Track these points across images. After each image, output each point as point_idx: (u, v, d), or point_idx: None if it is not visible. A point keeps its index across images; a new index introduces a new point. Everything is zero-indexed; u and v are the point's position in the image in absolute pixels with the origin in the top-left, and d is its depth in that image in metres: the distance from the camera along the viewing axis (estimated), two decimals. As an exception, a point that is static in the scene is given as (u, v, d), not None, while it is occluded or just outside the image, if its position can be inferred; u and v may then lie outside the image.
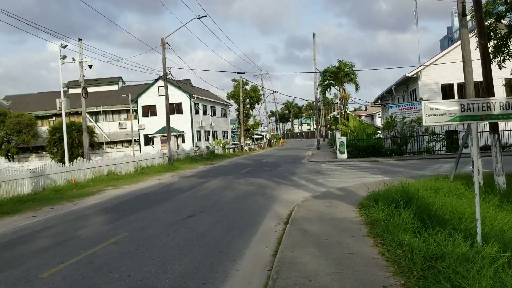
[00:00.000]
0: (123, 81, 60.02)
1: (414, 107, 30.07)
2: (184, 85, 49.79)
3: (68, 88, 55.55)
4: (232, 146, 53.71)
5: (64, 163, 24.30)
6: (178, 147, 42.97)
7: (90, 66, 24.54)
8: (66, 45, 24.01)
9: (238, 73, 37.47)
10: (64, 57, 24.29)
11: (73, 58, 24.58)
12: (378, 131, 39.78)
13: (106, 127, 53.83)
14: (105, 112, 54.49)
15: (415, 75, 31.03)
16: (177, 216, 10.87)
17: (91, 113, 54.06)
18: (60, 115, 53.36)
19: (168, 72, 28.12)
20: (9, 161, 49.33)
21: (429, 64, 30.90)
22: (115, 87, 58.54)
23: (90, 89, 57.79)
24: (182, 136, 47.79)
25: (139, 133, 50.21)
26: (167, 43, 27.81)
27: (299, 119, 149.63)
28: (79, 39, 25.86)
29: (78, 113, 54.10)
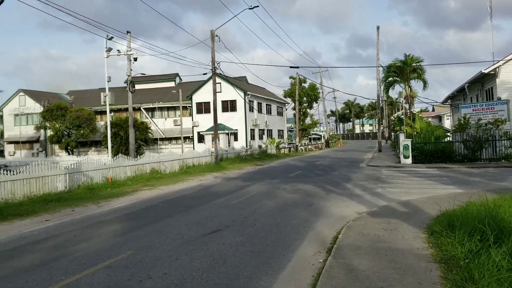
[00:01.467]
0: (180, 78, 59.75)
1: (491, 107, 26.38)
2: (239, 82, 48.38)
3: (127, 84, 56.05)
4: (286, 146, 51.56)
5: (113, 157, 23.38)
6: (229, 145, 41.54)
7: (135, 59, 23.50)
8: (112, 37, 23.13)
9: (291, 67, 35.28)
10: (109, 50, 23.45)
11: (118, 50, 23.69)
12: (447, 134, 36.07)
13: (162, 124, 53.67)
14: (161, 109, 54.35)
15: (492, 72, 27.33)
16: (198, 231, 9.03)
17: (147, 109, 54.21)
18: (118, 110, 54.24)
19: (217, 66, 26.58)
20: (69, 154, 50.40)
21: (510, 59, 27.08)
22: (172, 84, 58.39)
23: (147, 86, 58.43)
24: (235, 134, 46.38)
25: (193, 130, 49.50)
26: (216, 35, 26.23)
27: (361, 119, 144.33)
28: (127, 32, 24.91)
29: (135, 109, 54.47)
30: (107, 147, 47.05)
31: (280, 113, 59.88)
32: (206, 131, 45.52)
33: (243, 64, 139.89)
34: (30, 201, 13.77)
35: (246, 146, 40.68)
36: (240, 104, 46.22)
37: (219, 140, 39.65)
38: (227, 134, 44.96)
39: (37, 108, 54.39)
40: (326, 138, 67.72)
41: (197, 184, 18.64)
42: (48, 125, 51.40)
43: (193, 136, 49.76)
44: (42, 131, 54.00)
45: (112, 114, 56.36)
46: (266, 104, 53.73)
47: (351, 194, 13.85)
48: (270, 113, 54.93)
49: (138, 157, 23.80)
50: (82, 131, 49.62)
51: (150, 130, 47.28)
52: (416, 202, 11.61)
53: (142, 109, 54.09)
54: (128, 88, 25.00)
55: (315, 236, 8.44)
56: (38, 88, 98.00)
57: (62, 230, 9.75)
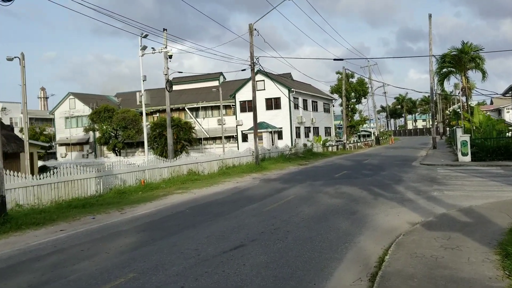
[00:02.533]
0: (224, 77, 59.11)
1: None
2: (283, 79, 46.91)
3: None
4: (333, 144, 49.47)
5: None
6: (273, 144, 40.17)
7: (170, 57, 22.68)
8: (147, 35, 22.37)
9: (335, 59, 33.24)
10: (144, 48, 22.76)
11: (152, 48, 22.96)
12: (509, 128, 32.88)
13: (206, 123, 53.20)
14: (205, 108, 53.91)
15: None
16: (218, 246, 7.74)
17: (191, 109, 53.97)
18: (163, 111, 54.25)
19: (256, 62, 25.27)
20: (116, 155, 50.93)
21: None
22: (215, 83, 57.76)
23: (191, 86, 58.26)
24: (279, 132, 44.95)
25: (236, 129, 48.55)
26: (255, 29, 24.95)
27: (413, 115, 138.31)
28: (164, 29, 24.15)
29: (179, 109, 54.43)
30: (152, 148, 47.27)
31: (326, 110, 57.78)
32: (249, 130, 44.37)
33: (287, 61, 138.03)
34: (55, 207, 13.07)
35: (291, 145, 39.14)
36: (284, 102, 44.72)
37: (261, 139, 38.44)
38: (271, 132, 43.63)
39: (86, 110, 55.53)
40: (376, 135, 64.71)
41: (233, 186, 17.41)
42: (96, 127, 52.23)
43: (237, 135, 48.85)
44: (91, 133, 55.02)
45: (158, 114, 56.76)
46: (312, 101, 51.88)
47: (402, 199, 12.11)
48: (316, 110, 53.03)
49: (175, 158, 22.96)
50: (128, 132, 49.92)
51: (194, 130, 46.78)
52: (481, 209, 9.78)
53: (186, 109, 53.94)
54: (165, 87, 24.23)
55: (357, 255, 6.91)
56: (93, 91, 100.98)
57: (72, 243, 8.78)
